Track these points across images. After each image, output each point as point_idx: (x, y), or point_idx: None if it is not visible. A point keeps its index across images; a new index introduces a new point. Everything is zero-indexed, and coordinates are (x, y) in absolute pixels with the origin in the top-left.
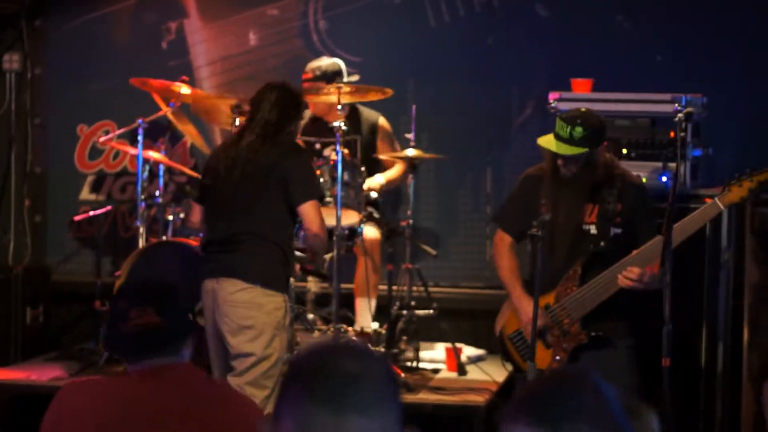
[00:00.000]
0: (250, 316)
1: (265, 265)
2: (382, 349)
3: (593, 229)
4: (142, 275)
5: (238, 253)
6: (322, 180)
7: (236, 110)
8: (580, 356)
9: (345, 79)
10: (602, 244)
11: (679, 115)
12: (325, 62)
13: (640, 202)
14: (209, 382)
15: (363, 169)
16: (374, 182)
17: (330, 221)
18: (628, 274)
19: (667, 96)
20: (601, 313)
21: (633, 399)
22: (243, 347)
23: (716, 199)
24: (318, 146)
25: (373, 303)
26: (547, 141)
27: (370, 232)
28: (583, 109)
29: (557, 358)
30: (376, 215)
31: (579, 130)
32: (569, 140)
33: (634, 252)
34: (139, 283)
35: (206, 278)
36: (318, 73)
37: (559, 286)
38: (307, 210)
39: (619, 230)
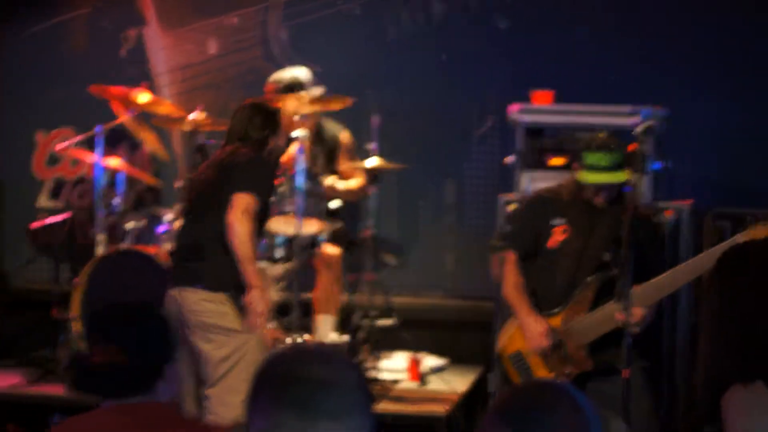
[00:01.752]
0: (216, 325)
1: (225, 270)
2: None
3: (606, 257)
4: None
5: (199, 261)
6: (281, 189)
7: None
8: (585, 384)
9: (309, 90)
10: (614, 271)
11: (638, 128)
12: (287, 75)
13: (652, 234)
14: (182, 422)
15: (323, 178)
16: (335, 182)
17: (290, 230)
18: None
19: (627, 108)
20: (609, 341)
21: (603, 411)
22: (214, 354)
23: (737, 237)
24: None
25: (334, 319)
26: (593, 177)
27: (331, 246)
28: (600, 134)
29: None
30: (338, 229)
31: (618, 154)
32: (613, 167)
33: (644, 284)
34: (102, 315)
35: (170, 288)
36: (280, 86)
37: (568, 308)
38: (233, 199)
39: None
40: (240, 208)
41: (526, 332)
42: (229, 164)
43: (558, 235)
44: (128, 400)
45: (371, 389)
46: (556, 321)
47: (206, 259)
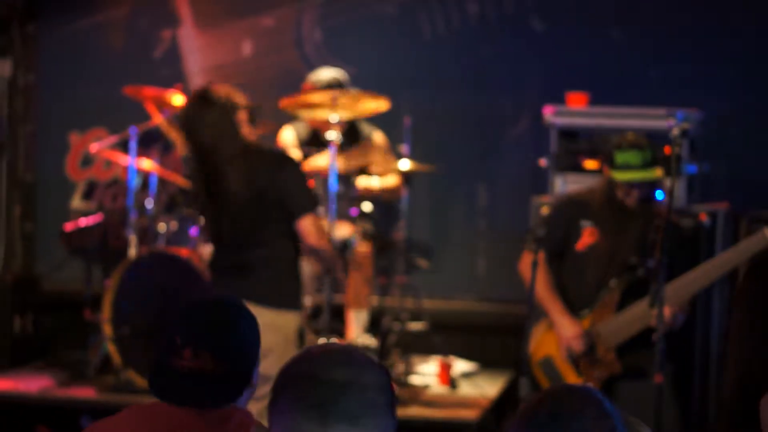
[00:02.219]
0: (269, 341)
1: (277, 287)
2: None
3: (633, 260)
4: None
5: (248, 280)
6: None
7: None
8: (613, 386)
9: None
10: (640, 272)
11: (674, 130)
12: (325, 75)
13: (678, 238)
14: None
15: (356, 180)
16: (371, 182)
17: None
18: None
19: (662, 111)
20: (637, 342)
21: (629, 417)
22: (265, 372)
23: (765, 231)
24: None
25: (365, 316)
26: (625, 176)
27: (362, 245)
28: (630, 134)
29: None
30: (368, 228)
31: (649, 152)
32: (645, 165)
33: (675, 281)
34: (197, 319)
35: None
36: (318, 86)
37: (595, 310)
38: (303, 225)
39: (653, 263)
40: (313, 229)
41: (559, 333)
42: (265, 185)
43: (586, 237)
44: (214, 409)
45: (395, 391)
46: (584, 324)
47: (255, 277)
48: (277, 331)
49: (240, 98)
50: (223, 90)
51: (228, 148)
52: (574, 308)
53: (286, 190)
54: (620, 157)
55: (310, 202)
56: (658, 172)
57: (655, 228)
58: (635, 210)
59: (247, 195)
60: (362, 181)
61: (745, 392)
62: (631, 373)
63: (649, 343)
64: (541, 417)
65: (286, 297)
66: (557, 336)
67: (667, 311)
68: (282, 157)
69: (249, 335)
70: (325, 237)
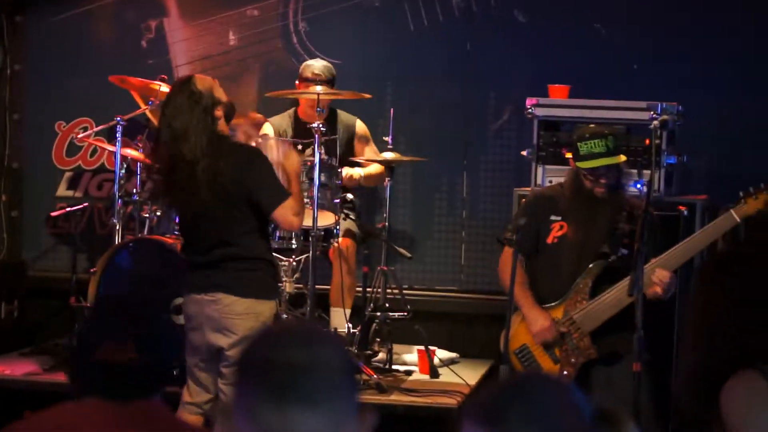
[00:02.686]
0: (246, 327)
1: (252, 280)
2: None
3: (604, 248)
4: (119, 290)
5: (224, 272)
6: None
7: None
8: (589, 371)
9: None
10: (612, 258)
11: (654, 122)
12: (320, 65)
13: (654, 228)
14: (178, 424)
15: (340, 170)
16: (354, 171)
17: (306, 222)
18: (661, 276)
19: (643, 104)
20: (611, 327)
21: (611, 406)
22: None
23: (732, 212)
24: (300, 147)
25: (348, 311)
26: (590, 164)
27: (346, 235)
28: (592, 125)
29: (565, 373)
30: (352, 217)
31: (612, 139)
32: (608, 152)
33: (654, 260)
34: (118, 306)
35: (192, 292)
36: (329, 76)
37: (568, 299)
38: (278, 215)
39: (626, 251)
40: (289, 216)
41: (530, 326)
42: (233, 181)
43: (556, 231)
44: (131, 402)
45: (355, 369)
46: (558, 312)
47: (230, 271)
48: (254, 319)
49: (220, 94)
50: (205, 83)
51: (199, 140)
52: (549, 300)
53: (256, 185)
54: (583, 147)
55: (282, 193)
56: (621, 158)
57: (629, 217)
58: (604, 199)
59: (216, 190)
60: (345, 171)
61: (701, 384)
62: (607, 357)
63: (624, 327)
64: (492, 401)
65: (260, 287)
66: (528, 329)
67: (665, 274)
68: (251, 151)
69: (168, 328)
70: (299, 217)
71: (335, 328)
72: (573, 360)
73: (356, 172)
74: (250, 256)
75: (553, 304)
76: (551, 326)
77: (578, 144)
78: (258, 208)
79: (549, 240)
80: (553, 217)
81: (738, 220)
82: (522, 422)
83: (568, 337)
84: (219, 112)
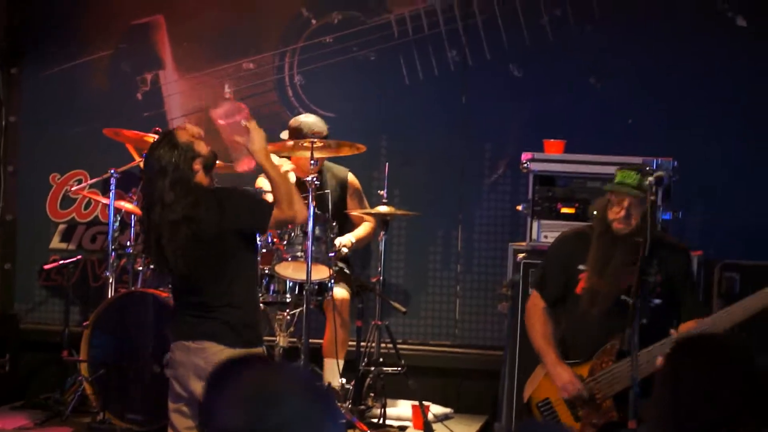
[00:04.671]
0: None
1: (240, 328)
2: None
3: (635, 300)
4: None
5: (211, 321)
6: (293, 234)
7: None
8: None
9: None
10: (644, 321)
11: (650, 179)
12: (319, 122)
13: (684, 271)
14: None
15: (334, 224)
16: (345, 240)
17: (300, 276)
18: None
19: (639, 159)
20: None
21: None
22: None
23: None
24: None
25: (341, 362)
26: (617, 187)
27: (340, 289)
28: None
29: None
30: (346, 271)
31: (644, 179)
32: (639, 187)
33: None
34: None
35: (179, 339)
36: (327, 132)
37: (595, 358)
38: (275, 222)
39: (659, 301)
40: (285, 217)
41: (554, 382)
42: (213, 227)
43: (584, 281)
44: None
45: (334, 411)
46: (584, 370)
47: (217, 320)
48: None
49: (201, 147)
50: (185, 135)
51: (175, 191)
52: (575, 354)
53: (237, 219)
54: (620, 175)
55: (264, 206)
56: (645, 196)
57: (659, 265)
58: (621, 238)
59: (198, 246)
60: (339, 240)
61: None
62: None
63: (648, 393)
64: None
65: (246, 336)
66: (553, 383)
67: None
68: (219, 192)
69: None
70: (293, 205)
71: (329, 382)
72: (594, 421)
73: (348, 242)
74: (238, 304)
75: (579, 361)
76: (575, 381)
77: (617, 172)
78: (252, 235)
79: (578, 290)
80: (581, 267)
81: None
82: None
83: (591, 398)
84: (197, 165)
